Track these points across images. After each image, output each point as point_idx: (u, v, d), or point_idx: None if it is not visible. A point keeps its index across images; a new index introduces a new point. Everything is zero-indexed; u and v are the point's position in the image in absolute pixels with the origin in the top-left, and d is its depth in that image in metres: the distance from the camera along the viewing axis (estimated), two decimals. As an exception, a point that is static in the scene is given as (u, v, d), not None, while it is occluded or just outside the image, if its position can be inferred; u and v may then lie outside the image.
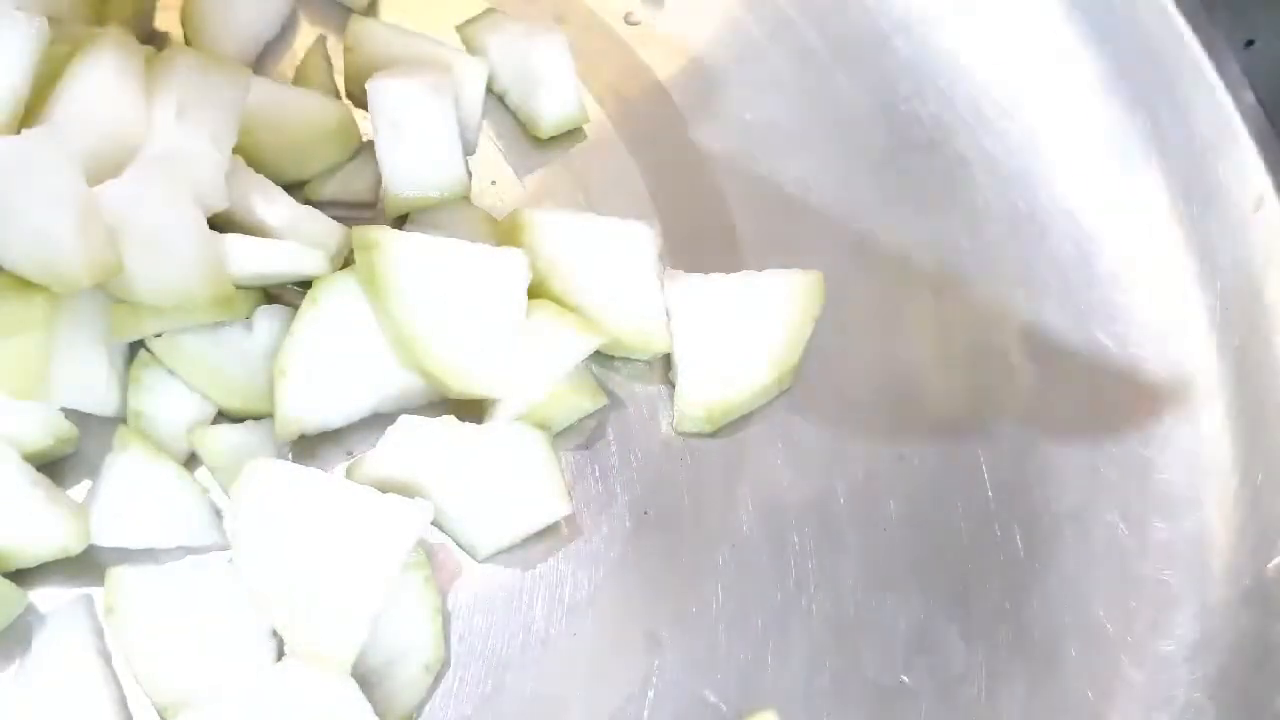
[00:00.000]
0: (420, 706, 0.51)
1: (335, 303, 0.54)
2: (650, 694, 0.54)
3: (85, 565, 0.51)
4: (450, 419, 0.54)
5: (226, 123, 0.55)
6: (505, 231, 0.59)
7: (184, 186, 0.52)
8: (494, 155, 0.65)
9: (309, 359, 0.54)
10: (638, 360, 0.60)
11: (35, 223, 0.48)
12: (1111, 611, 0.58)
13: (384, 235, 0.54)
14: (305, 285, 0.55)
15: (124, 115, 0.53)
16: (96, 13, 0.60)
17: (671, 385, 0.59)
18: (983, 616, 0.57)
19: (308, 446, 0.55)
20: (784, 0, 0.72)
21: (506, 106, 0.66)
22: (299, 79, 0.64)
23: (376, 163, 0.61)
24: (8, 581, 0.50)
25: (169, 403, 0.54)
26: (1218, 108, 0.68)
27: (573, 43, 0.65)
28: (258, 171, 0.58)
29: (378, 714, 0.48)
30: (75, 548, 0.50)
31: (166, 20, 0.65)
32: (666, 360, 0.60)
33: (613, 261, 0.59)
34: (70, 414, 0.53)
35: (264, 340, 0.55)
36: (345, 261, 0.58)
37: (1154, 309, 0.66)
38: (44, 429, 0.52)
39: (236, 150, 0.56)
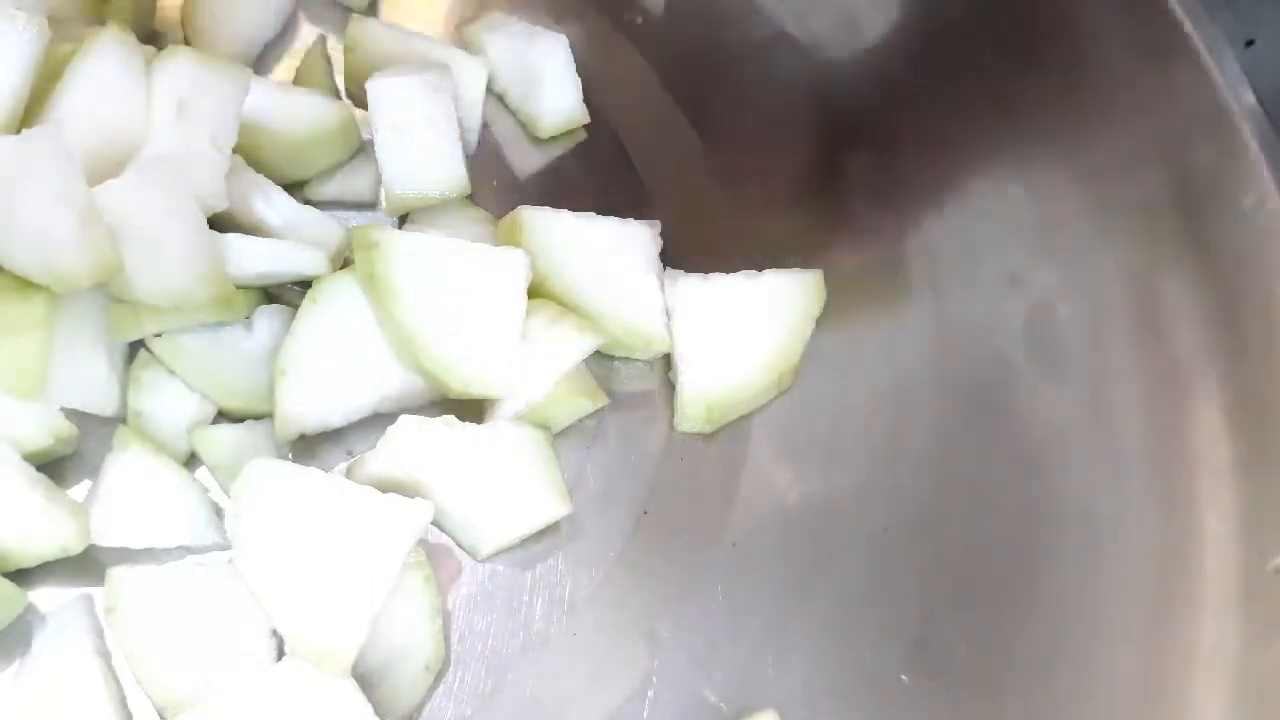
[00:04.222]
0: (420, 706, 0.52)
1: (335, 303, 0.54)
2: (650, 694, 0.54)
3: (85, 565, 0.51)
4: (450, 419, 0.54)
5: (226, 123, 0.55)
6: (505, 231, 0.59)
7: (184, 186, 0.52)
8: (494, 155, 0.65)
9: (309, 359, 0.54)
10: (638, 360, 0.60)
11: (35, 223, 0.47)
12: (1112, 611, 0.58)
13: (384, 235, 0.54)
14: (305, 285, 0.55)
15: (124, 115, 0.53)
16: (96, 13, 0.60)
17: (671, 385, 0.59)
18: (983, 616, 0.57)
19: (308, 446, 0.55)
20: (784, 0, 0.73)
21: (506, 106, 0.66)
22: (299, 79, 0.64)
23: (376, 163, 0.61)
24: (8, 581, 0.50)
25: (169, 403, 0.54)
26: (1218, 107, 0.68)
27: (573, 43, 0.65)
28: (258, 171, 0.58)
29: (378, 714, 0.48)
30: (75, 547, 0.50)
31: (166, 20, 0.65)
32: (666, 360, 0.60)
33: (613, 261, 0.59)
34: (70, 414, 0.53)
35: (264, 340, 0.55)
36: (345, 261, 0.58)
37: (1154, 308, 0.66)
38: (43, 429, 0.52)
39: (236, 150, 0.56)
